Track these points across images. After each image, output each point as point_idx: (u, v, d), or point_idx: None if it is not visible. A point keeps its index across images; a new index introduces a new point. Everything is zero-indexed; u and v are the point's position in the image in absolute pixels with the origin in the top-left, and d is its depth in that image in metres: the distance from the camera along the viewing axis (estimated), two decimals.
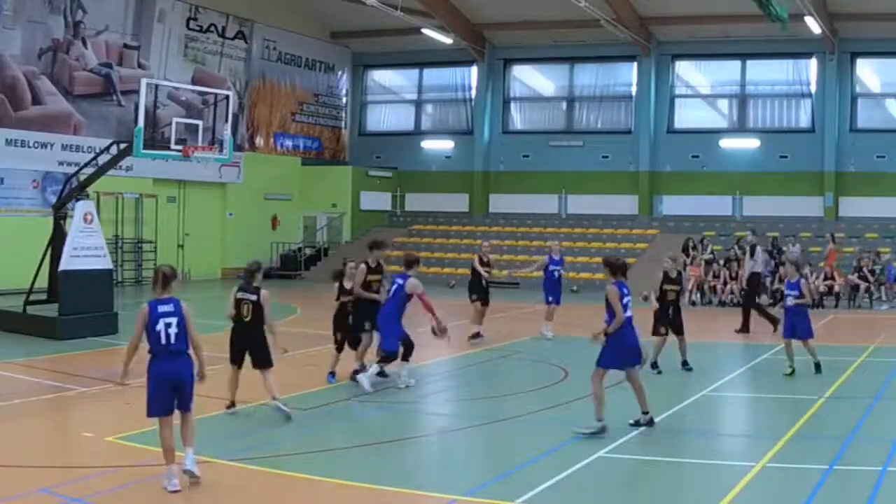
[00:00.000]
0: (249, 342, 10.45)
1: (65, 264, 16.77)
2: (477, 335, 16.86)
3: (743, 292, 19.54)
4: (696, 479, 8.63)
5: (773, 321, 18.20)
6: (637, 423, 10.10)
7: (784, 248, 25.55)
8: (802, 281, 13.71)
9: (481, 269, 17.61)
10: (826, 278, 24.04)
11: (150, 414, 8.05)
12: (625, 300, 9.92)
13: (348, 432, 10.05)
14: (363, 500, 7.96)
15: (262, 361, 10.44)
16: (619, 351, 10.00)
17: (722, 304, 24.04)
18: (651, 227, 31.79)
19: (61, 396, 11.86)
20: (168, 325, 7.89)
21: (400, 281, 12.45)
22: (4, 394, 11.60)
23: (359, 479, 8.26)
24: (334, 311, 12.94)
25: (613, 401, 12.18)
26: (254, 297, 10.40)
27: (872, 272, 24.42)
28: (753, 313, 18.72)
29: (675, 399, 11.86)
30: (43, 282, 17.79)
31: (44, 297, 17.62)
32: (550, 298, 17.67)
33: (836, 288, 24.06)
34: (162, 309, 7.94)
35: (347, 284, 12.78)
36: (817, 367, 13.54)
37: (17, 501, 7.50)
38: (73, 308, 16.64)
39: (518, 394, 12.57)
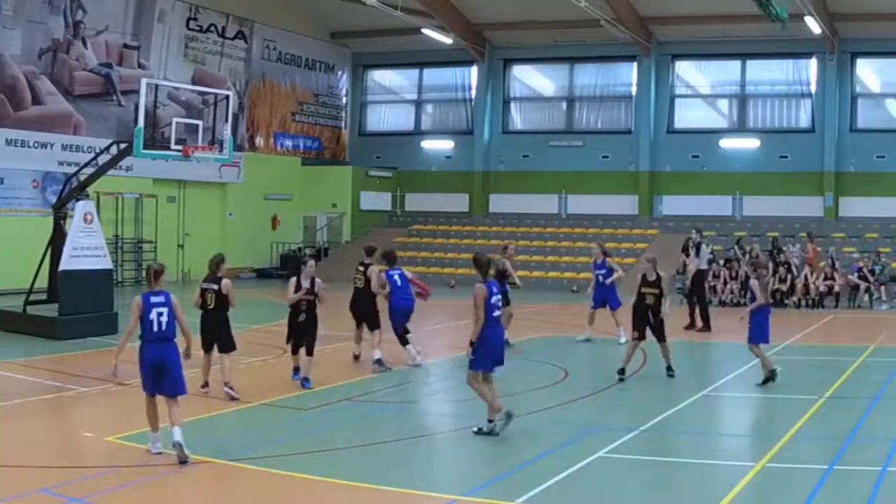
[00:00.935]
0: (214, 328, 11.41)
1: (65, 264, 16.77)
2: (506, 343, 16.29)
3: (689, 289, 19.62)
4: (696, 479, 8.63)
5: (698, 322, 18.68)
6: (480, 431, 9.83)
7: (784, 248, 25.55)
8: (752, 282, 12.96)
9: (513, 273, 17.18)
10: (826, 278, 24.04)
11: (143, 389, 8.85)
12: (493, 299, 9.84)
13: (348, 432, 10.06)
14: (363, 500, 7.96)
15: (224, 346, 11.51)
16: (488, 351, 9.88)
17: (722, 303, 24.00)
18: (651, 227, 31.78)
19: (61, 396, 11.86)
20: (160, 315, 8.73)
21: (399, 272, 14.06)
22: (4, 394, 11.60)
23: (359, 479, 8.26)
24: (290, 312, 12.24)
25: (614, 402, 12.22)
26: (216, 287, 11.39)
27: (872, 272, 24.42)
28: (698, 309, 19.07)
29: (675, 399, 11.86)
30: (43, 282, 17.79)
31: (44, 297, 17.62)
32: (593, 303, 17.18)
33: (836, 288, 24.06)
34: (154, 300, 8.78)
35: (305, 282, 12.08)
36: (769, 376, 12.62)
37: (17, 501, 7.50)
38: (73, 308, 16.64)
39: (518, 394, 12.56)
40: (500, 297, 9.99)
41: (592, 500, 8.11)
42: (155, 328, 8.70)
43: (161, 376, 8.72)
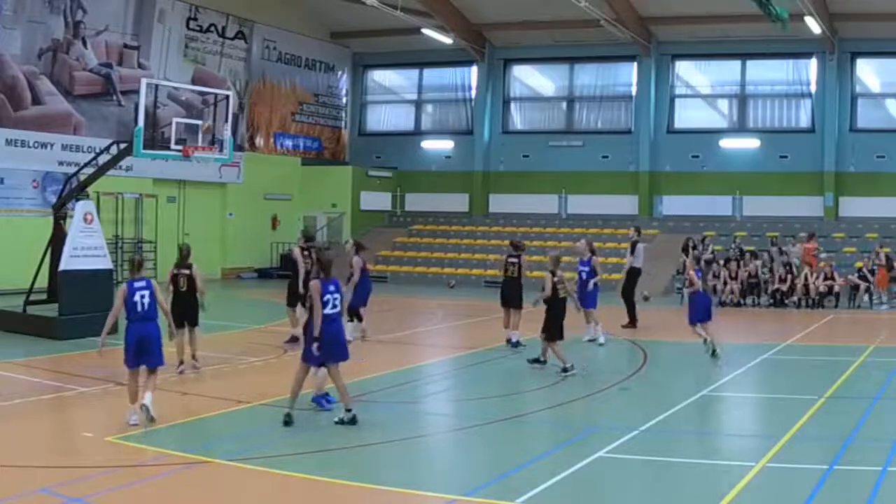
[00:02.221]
0: (185, 307, 13.01)
1: (65, 264, 16.75)
2: (518, 343, 15.95)
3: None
4: (696, 479, 8.63)
5: (633, 320, 18.90)
6: (341, 421, 10.12)
7: (784, 248, 25.57)
8: (690, 273, 15.34)
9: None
10: (826, 278, 24.02)
11: (127, 364, 10.08)
12: (326, 296, 10.01)
13: (348, 432, 10.04)
14: (363, 500, 7.95)
15: (193, 321, 13.30)
16: (330, 346, 10.03)
17: (722, 304, 24.02)
18: (651, 227, 31.75)
19: (61, 396, 11.86)
20: (142, 297, 10.06)
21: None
22: (4, 394, 11.59)
23: (358, 479, 8.26)
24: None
25: (614, 402, 12.22)
26: (187, 272, 13.21)
27: (872, 272, 24.40)
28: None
29: (675, 399, 11.86)
30: (43, 282, 17.77)
31: (44, 297, 17.60)
32: (577, 304, 16.42)
33: (836, 288, 24.05)
34: (137, 286, 10.13)
35: None
36: (713, 353, 14.87)
37: (17, 501, 7.50)
38: (73, 308, 16.61)
39: (518, 394, 12.57)
40: (337, 296, 10.14)
41: (592, 500, 8.11)
42: (139, 309, 10.03)
43: (144, 351, 10.02)
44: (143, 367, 10.12)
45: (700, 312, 15.19)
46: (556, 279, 13.64)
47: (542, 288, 13.73)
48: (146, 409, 9.84)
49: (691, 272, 15.35)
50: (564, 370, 13.39)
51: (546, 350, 13.82)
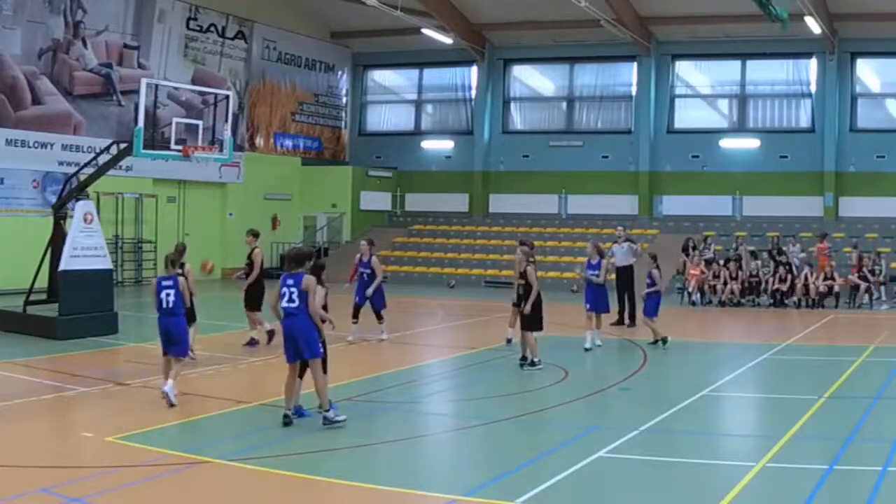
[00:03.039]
0: None
1: (65, 264, 16.76)
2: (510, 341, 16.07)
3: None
4: (696, 479, 8.62)
5: (633, 319, 19.08)
6: (326, 420, 10.06)
7: (784, 248, 25.56)
8: (654, 272, 16.24)
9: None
10: (826, 278, 24.02)
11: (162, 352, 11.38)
12: (282, 290, 10.03)
13: (348, 432, 10.04)
14: (363, 500, 7.95)
15: (190, 318, 13.27)
16: (287, 342, 10.09)
17: (722, 304, 24.04)
18: (651, 227, 31.79)
19: (61, 396, 11.85)
20: (167, 295, 11.22)
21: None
22: (4, 394, 11.59)
23: (359, 479, 8.25)
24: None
25: (614, 402, 12.22)
26: (180, 270, 13.13)
27: (872, 272, 24.40)
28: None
29: (675, 399, 11.85)
30: (43, 282, 17.77)
31: (44, 297, 17.61)
32: (587, 305, 16.25)
33: (836, 288, 24.04)
34: (164, 284, 11.30)
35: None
36: (663, 340, 15.99)
37: (17, 501, 7.50)
38: (73, 308, 16.63)
39: (518, 394, 12.57)
40: (294, 290, 9.98)
41: (592, 500, 8.11)
42: (163, 305, 11.19)
43: (168, 342, 11.14)
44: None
45: (655, 307, 16.25)
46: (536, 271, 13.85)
47: (526, 283, 13.86)
48: (165, 394, 10.77)
49: (654, 271, 16.19)
50: (532, 364, 13.72)
51: (533, 347, 13.85)
